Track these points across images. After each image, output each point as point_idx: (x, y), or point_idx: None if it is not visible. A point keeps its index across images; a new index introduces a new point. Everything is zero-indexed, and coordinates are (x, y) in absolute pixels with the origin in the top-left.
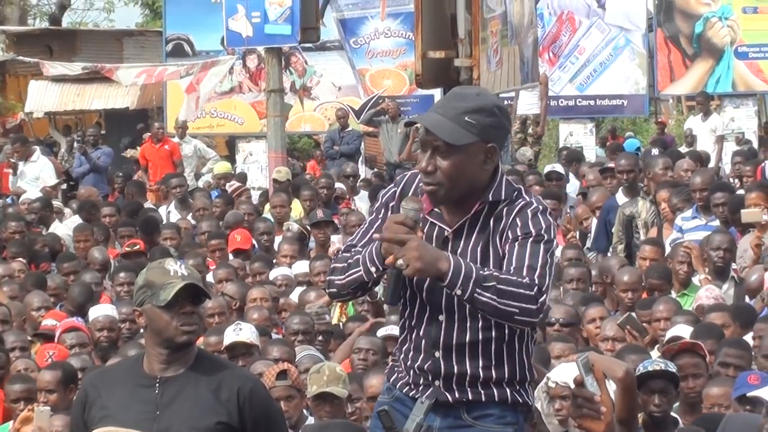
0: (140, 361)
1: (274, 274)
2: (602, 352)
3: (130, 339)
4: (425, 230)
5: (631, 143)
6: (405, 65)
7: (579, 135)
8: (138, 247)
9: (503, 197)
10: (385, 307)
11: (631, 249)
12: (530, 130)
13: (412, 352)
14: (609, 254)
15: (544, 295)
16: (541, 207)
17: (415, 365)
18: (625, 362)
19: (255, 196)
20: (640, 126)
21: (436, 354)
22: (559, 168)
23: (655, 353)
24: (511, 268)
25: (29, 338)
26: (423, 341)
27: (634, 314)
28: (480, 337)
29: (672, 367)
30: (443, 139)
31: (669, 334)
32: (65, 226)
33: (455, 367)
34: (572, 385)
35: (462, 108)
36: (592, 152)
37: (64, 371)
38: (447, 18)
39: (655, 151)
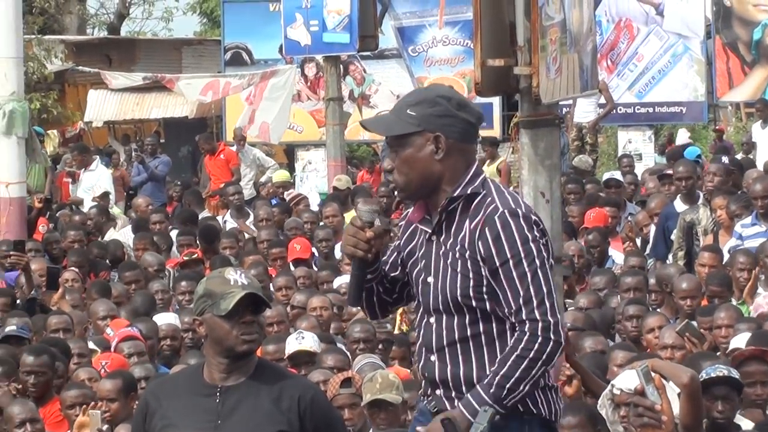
0: (200, 370)
1: (338, 282)
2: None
3: (192, 348)
4: (418, 239)
5: (692, 151)
6: (463, 73)
7: (638, 142)
8: (196, 255)
9: (469, 192)
10: None
11: (692, 256)
12: (587, 139)
13: (418, 359)
14: (668, 261)
15: (553, 320)
16: (507, 210)
17: (421, 373)
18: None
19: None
20: (699, 133)
21: (432, 358)
22: (618, 175)
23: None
24: (511, 310)
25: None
26: (421, 347)
27: (693, 322)
28: (468, 333)
29: (735, 374)
30: (377, 132)
31: (733, 344)
32: (121, 234)
33: (449, 370)
34: None
35: (405, 102)
36: (650, 159)
37: (124, 380)
38: (506, 26)
39: (724, 159)
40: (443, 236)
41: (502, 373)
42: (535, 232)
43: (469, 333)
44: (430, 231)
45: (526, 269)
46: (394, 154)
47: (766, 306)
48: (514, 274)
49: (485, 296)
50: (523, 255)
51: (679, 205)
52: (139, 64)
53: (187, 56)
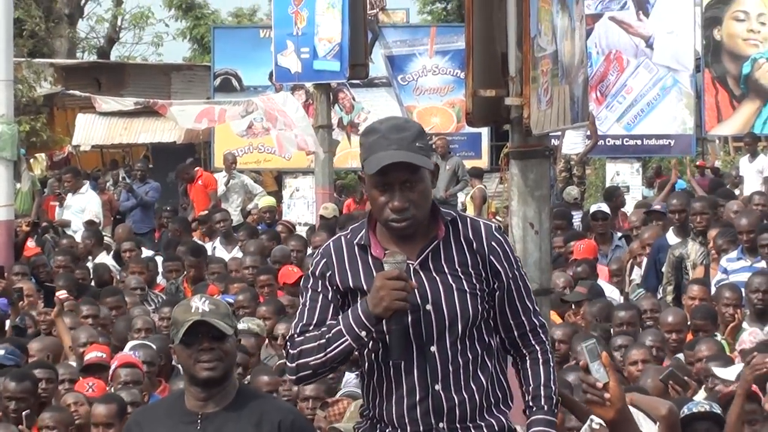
0: (183, 398)
1: None
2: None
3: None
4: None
5: (679, 184)
6: (452, 102)
7: (625, 174)
8: None
9: (454, 215)
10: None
11: (680, 290)
12: (575, 170)
13: (406, 399)
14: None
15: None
16: (494, 227)
17: (416, 411)
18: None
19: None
20: (687, 166)
21: (436, 387)
22: (604, 208)
23: (701, 395)
24: (521, 320)
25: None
26: (417, 380)
27: (677, 370)
28: (471, 355)
29: (717, 409)
30: (427, 168)
31: (719, 373)
32: (109, 258)
33: (455, 398)
34: None
35: (408, 137)
36: (638, 192)
37: (118, 404)
38: (498, 56)
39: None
40: (432, 263)
41: (550, 387)
42: None
43: (471, 355)
44: (413, 262)
45: (526, 278)
46: (409, 191)
47: (750, 343)
48: (520, 283)
49: (491, 311)
50: (520, 265)
51: (672, 238)
52: (129, 88)
53: (176, 81)
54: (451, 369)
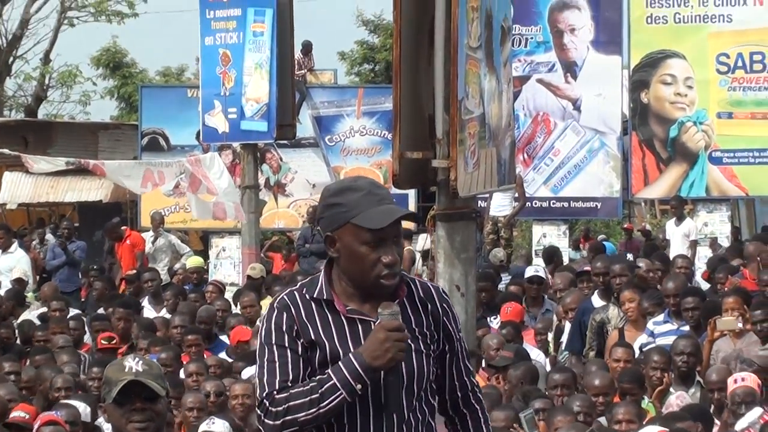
0: None
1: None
2: None
3: None
4: (347, 332)
5: (608, 247)
6: (380, 163)
7: (552, 237)
8: (114, 341)
9: (409, 276)
10: None
11: (602, 355)
12: (502, 233)
13: None
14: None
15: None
16: (441, 286)
17: None
18: None
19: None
20: (614, 229)
21: None
22: (541, 272)
23: None
24: (464, 380)
25: None
26: None
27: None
28: (420, 415)
29: None
30: (418, 222)
31: None
32: (33, 316)
33: None
34: None
35: (389, 193)
36: (565, 254)
37: None
38: (425, 118)
39: (629, 257)
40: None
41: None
42: None
43: (420, 415)
44: (376, 321)
45: (464, 340)
46: (397, 245)
47: (677, 406)
48: (463, 344)
49: (438, 371)
50: (460, 327)
51: (597, 301)
52: (56, 146)
53: (103, 140)
54: (405, 429)
